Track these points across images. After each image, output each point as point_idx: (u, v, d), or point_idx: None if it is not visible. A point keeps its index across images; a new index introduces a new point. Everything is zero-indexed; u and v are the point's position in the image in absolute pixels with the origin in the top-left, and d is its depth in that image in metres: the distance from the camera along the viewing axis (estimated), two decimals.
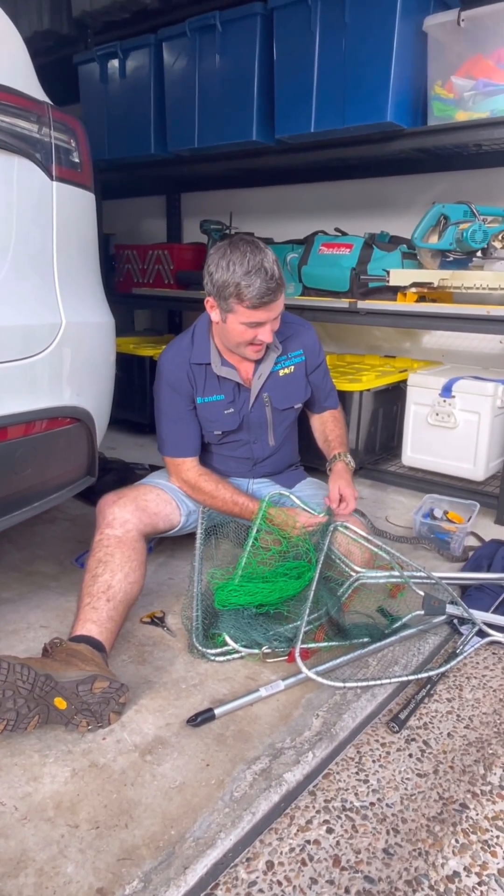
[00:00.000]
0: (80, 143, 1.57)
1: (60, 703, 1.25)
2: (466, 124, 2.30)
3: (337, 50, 2.40)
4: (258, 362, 1.85)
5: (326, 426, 2.06)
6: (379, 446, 2.89)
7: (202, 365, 1.84)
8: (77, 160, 1.56)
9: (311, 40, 2.45)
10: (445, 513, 2.25)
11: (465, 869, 1.05)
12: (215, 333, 1.82)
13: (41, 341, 1.40)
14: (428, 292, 2.56)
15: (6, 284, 1.34)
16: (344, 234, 2.89)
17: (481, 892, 1.01)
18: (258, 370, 1.86)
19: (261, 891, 0.99)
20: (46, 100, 1.48)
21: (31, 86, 1.44)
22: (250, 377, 1.86)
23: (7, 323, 1.33)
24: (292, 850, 1.07)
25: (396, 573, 1.73)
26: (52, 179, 1.46)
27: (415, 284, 2.52)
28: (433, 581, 1.73)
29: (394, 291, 2.60)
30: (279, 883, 1.01)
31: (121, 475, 2.55)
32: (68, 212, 1.50)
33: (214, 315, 1.73)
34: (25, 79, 1.43)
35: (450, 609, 1.66)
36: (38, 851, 1.03)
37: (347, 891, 1.00)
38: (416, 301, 2.56)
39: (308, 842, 1.08)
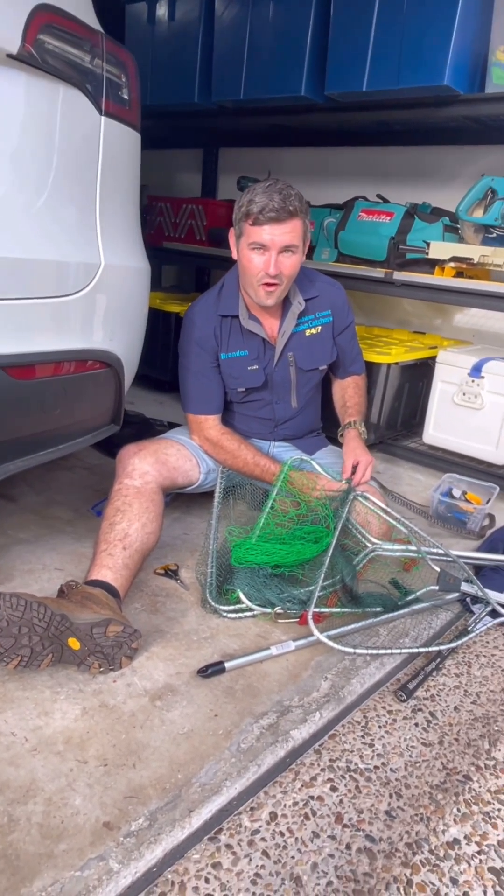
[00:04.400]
0: (130, 79, 1.52)
1: (74, 643, 1.25)
2: None
3: (398, 5, 2.30)
4: (282, 319, 1.83)
5: (347, 392, 2.04)
6: (401, 422, 2.86)
7: (228, 318, 1.81)
8: (127, 97, 1.51)
9: None
10: (464, 493, 2.23)
11: (465, 837, 1.06)
12: (240, 281, 1.79)
13: (79, 280, 1.37)
14: (466, 268, 2.50)
15: (44, 214, 1.30)
16: (385, 201, 2.82)
17: (480, 860, 1.02)
18: (282, 328, 1.83)
19: (263, 839, 1.01)
20: (100, 29, 1.42)
21: (85, 12, 1.38)
22: (276, 335, 1.84)
23: (44, 257, 1.31)
24: (296, 803, 1.08)
25: (413, 547, 1.72)
26: (100, 114, 1.41)
27: (454, 259, 2.46)
28: (450, 558, 1.72)
29: (431, 265, 2.54)
30: (281, 834, 1.02)
31: (140, 429, 2.54)
32: (115, 149, 1.46)
33: (234, 250, 1.73)
34: (80, 4, 1.37)
35: (464, 587, 1.65)
36: (47, 782, 1.05)
37: (349, 847, 1.01)
38: (454, 276, 2.50)
39: (312, 797, 1.09)
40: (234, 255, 1.74)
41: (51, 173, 1.33)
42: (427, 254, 2.51)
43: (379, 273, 2.62)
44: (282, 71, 2.65)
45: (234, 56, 2.81)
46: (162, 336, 3.30)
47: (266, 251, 1.64)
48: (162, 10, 3.09)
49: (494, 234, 2.45)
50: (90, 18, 1.40)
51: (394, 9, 2.31)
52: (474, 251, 2.40)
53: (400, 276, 2.58)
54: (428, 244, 2.51)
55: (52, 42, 1.28)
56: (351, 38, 2.43)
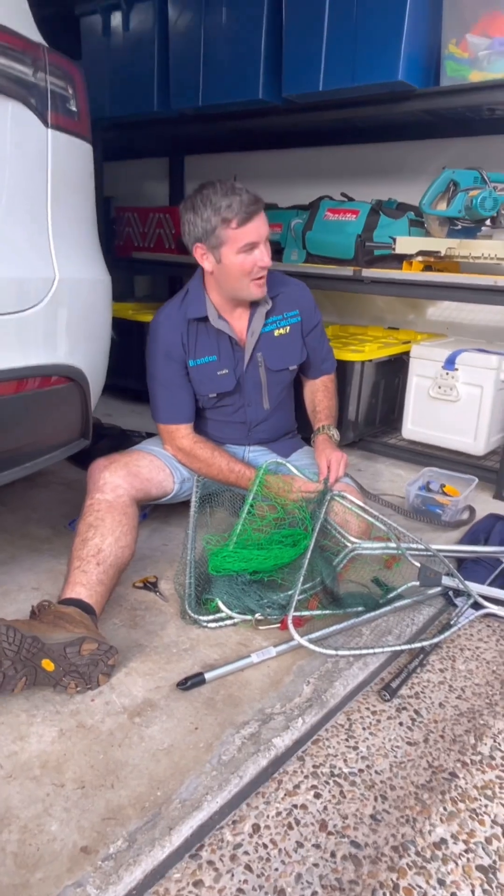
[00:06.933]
0: (77, 90, 1.50)
1: (48, 664, 1.23)
2: (480, 85, 2.22)
3: (348, 4, 2.30)
4: (251, 319, 1.82)
5: (316, 396, 2.03)
6: (379, 419, 2.86)
7: (196, 322, 1.80)
8: (74, 108, 1.49)
9: None
10: (442, 486, 2.22)
11: (452, 836, 1.04)
12: (213, 286, 1.78)
13: (33, 295, 1.36)
14: (434, 262, 2.50)
15: None
16: (350, 199, 2.82)
17: (468, 859, 1.00)
18: (251, 327, 1.83)
19: (246, 853, 0.99)
20: (42, 41, 1.41)
21: (26, 26, 1.37)
22: (244, 336, 1.83)
23: None
24: (279, 813, 1.06)
25: (393, 544, 1.71)
26: (47, 127, 1.40)
27: (421, 253, 2.46)
28: (430, 553, 1.71)
29: (400, 260, 2.54)
30: (265, 846, 1.00)
31: (116, 441, 2.51)
32: (64, 162, 1.44)
33: (207, 263, 1.71)
34: (19, 18, 1.36)
35: (446, 581, 1.64)
36: (23, 809, 1.02)
37: (333, 855, 0.99)
38: (422, 270, 2.51)
39: (295, 806, 1.07)
40: (210, 269, 1.71)
41: (3, 194, 1.31)
42: (394, 249, 2.51)
43: (348, 271, 2.62)
44: (238, 75, 2.64)
45: (191, 63, 2.80)
46: (137, 346, 3.26)
47: (255, 247, 1.65)
48: (116, 21, 3.08)
49: (459, 226, 2.45)
50: (31, 32, 1.38)
51: (345, 8, 2.31)
52: (440, 244, 2.40)
53: (369, 273, 2.57)
54: (394, 240, 2.51)
55: None
56: (304, 38, 2.43)
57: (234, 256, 1.66)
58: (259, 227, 1.65)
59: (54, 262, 1.40)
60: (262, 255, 1.67)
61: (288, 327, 1.89)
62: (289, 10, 2.48)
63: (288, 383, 1.99)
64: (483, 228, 2.44)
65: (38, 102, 1.38)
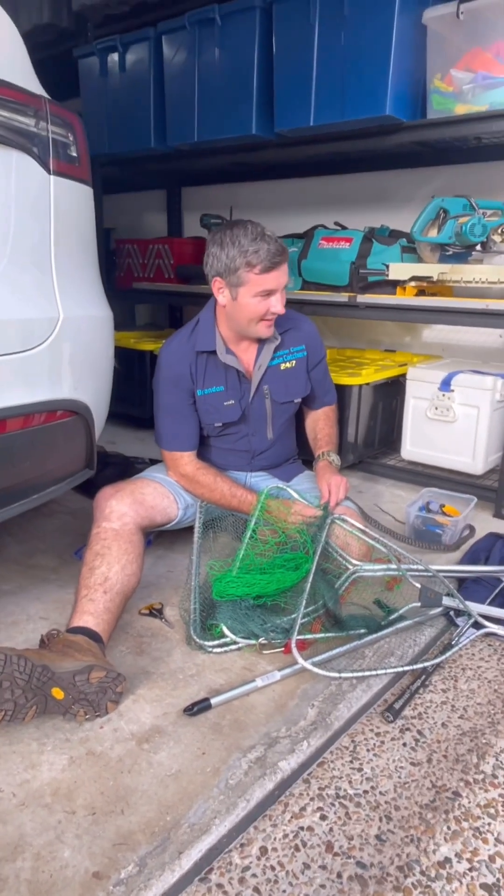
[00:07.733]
0: (77, 137, 1.58)
1: (58, 693, 1.26)
2: (465, 117, 2.30)
3: (336, 43, 2.39)
4: (258, 353, 1.87)
5: (318, 424, 2.08)
6: (378, 440, 2.90)
7: (205, 354, 1.85)
8: (75, 154, 1.56)
9: (310, 33, 2.45)
10: (442, 506, 2.25)
11: (456, 855, 1.06)
12: (223, 319, 1.83)
13: (39, 334, 1.41)
14: (427, 286, 2.56)
15: (4, 278, 1.35)
16: (343, 228, 2.89)
17: (472, 877, 1.02)
18: (258, 361, 1.87)
19: (254, 875, 1.01)
20: (44, 94, 1.48)
21: (28, 80, 1.44)
22: (251, 368, 1.88)
23: (5, 316, 1.34)
24: (286, 836, 1.08)
25: (393, 566, 1.74)
26: (49, 174, 1.46)
27: (414, 278, 2.52)
28: (430, 574, 1.74)
29: (393, 285, 2.60)
30: (272, 868, 1.02)
31: (121, 469, 2.56)
32: (66, 206, 1.51)
33: (222, 297, 1.75)
34: (22, 73, 1.43)
35: (446, 601, 1.67)
36: (36, 837, 1.05)
37: (339, 876, 1.01)
38: (416, 295, 2.57)
39: (301, 828, 1.10)
40: (223, 302, 1.76)
41: (9, 241, 1.37)
42: (387, 275, 2.57)
43: (343, 297, 2.68)
44: (232, 112, 2.74)
45: (185, 101, 2.90)
46: (139, 374, 3.35)
47: (272, 294, 1.71)
48: (113, 62, 3.19)
49: (451, 252, 2.51)
50: (33, 85, 1.46)
51: (332, 47, 2.40)
52: (432, 269, 2.47)
53: (363, 298, 2.64)
54: (387, 266, 2.58)
55: None
56: (294, 76, 2.53)
57: (249, 298, 1.71)
58: (279, 277, 1.70)
59: (58, 302, 1.46)
60: (277, 303, 1.73)
61: (294, 361, 1.94)
62: (279, 49, 2.58)
63: (291, 414, 2.04)
64: (473, 253, 2.50)
65: (41, 151, 1.45)
